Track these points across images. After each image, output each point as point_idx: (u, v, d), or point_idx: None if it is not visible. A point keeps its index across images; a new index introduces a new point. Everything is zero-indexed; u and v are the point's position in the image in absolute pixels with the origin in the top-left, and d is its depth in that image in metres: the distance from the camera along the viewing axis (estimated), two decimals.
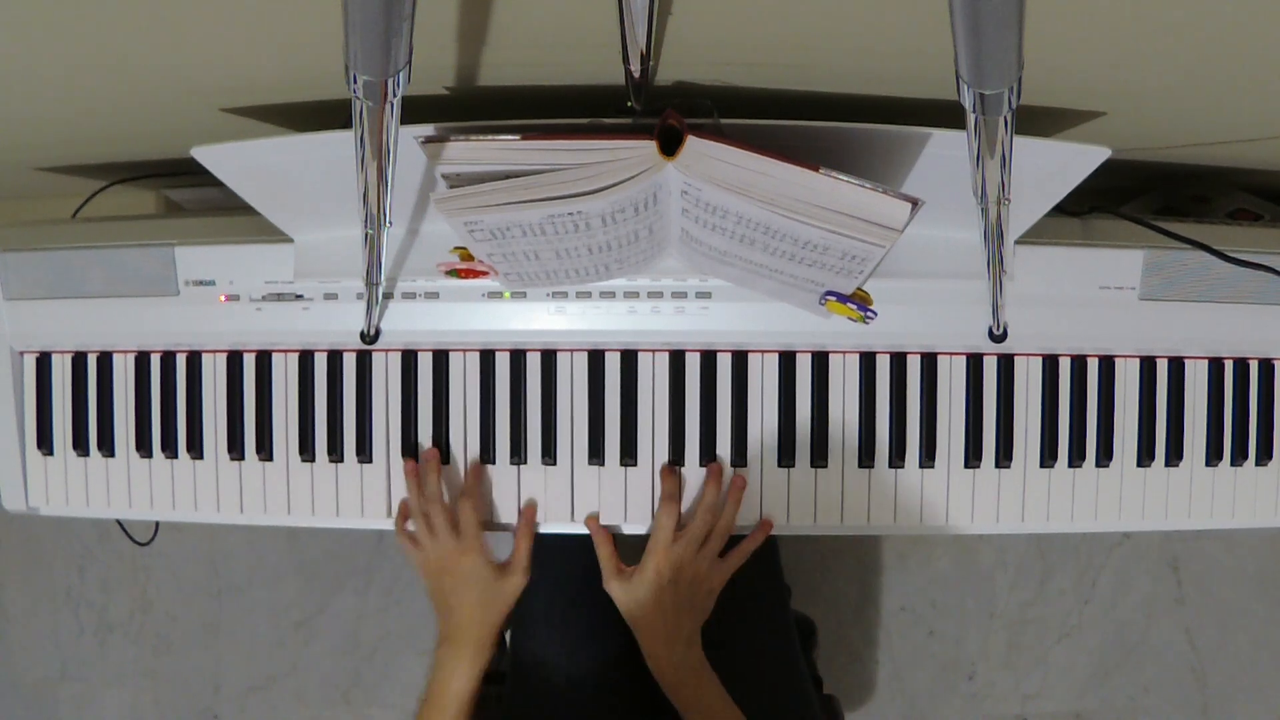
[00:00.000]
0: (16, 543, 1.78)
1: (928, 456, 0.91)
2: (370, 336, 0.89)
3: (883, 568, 1.71)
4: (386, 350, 0.92)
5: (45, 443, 0.96)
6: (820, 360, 0.91)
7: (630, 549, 0.90)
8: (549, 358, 0.91)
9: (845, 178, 0.65)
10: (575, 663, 0.99)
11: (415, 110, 0.67)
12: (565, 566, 1.01)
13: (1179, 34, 0.64)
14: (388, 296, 0.88)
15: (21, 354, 0.95)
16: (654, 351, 0.91)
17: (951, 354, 0.91)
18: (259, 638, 1.76)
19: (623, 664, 0.95)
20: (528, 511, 0.91)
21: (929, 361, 0.91)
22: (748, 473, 0.91)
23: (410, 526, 0.91)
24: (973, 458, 0.91)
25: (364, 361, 0.92)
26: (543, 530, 0.92)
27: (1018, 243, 0.85)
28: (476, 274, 0.86)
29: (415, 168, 0.75)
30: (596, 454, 0.91)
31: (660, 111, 0.67)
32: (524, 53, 0.73)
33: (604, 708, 0.97)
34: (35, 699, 1.79)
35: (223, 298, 0.90)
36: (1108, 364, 0.92)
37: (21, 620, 1.78)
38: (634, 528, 0.92)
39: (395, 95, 0.57)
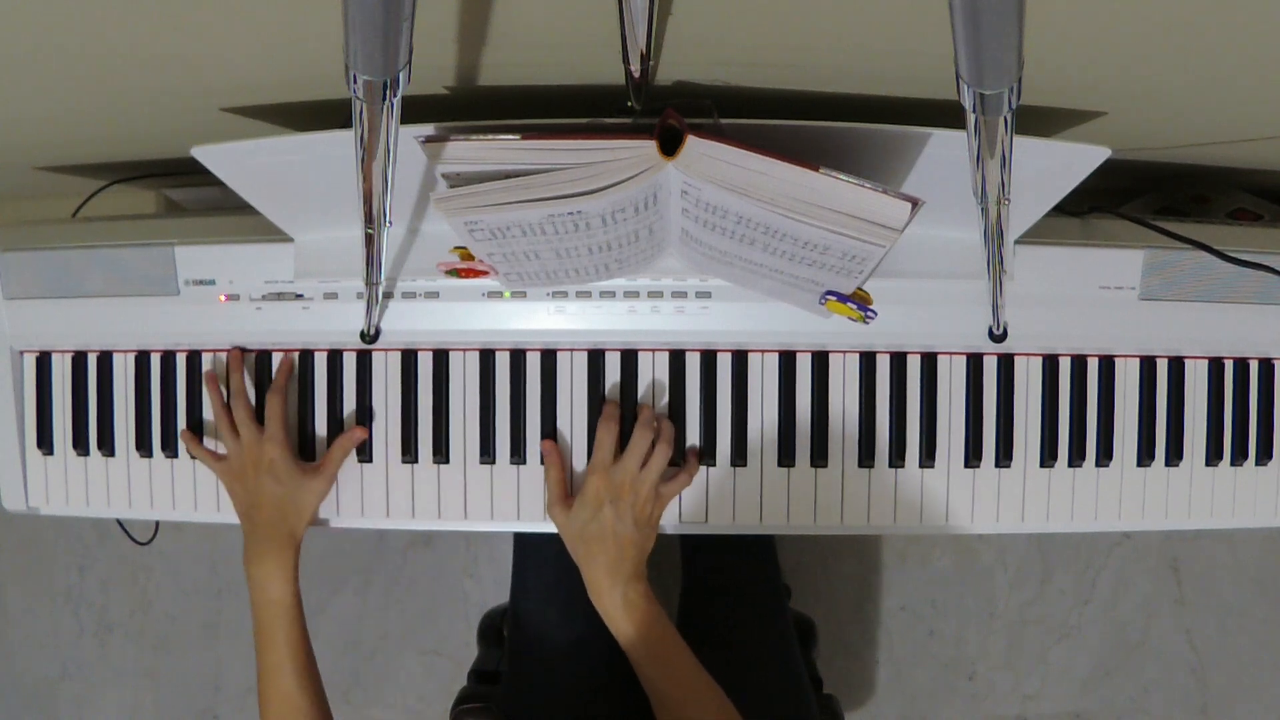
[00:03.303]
0: (16, 543, 1.78)
1: (928, 456, 0.91)
2: (370, 336, 0.89)
3: (883, 568, 1.71)
4: (386, 350, 0.92)
5: (45, 442, 0.96)
6: (820, 360, 0.91)
7: None
8: (549, 357, 0.91)
9: (845, 178, 0.65)
10: (574, 660, 0.98)
11: (415, 110, 0.67)
12: (562, 567, 1.01)
13: (1179, 34, 0.64)
14: (388, 296, 0.88)
15: (21, 354, 0.95)
16: (654, 351, 0.91)
17: (951, 354, 0.91)
18: None
19: (623, 658, 0.95)
20: (355, 430, 0.91)
21: (929, 361, 0.91)
22: (747, 472, 0.91)
23: (210, 445, 0.92)
24: (973, 457, 0.91)
25: (364, 361, 0.92)
26: (543, 531, 0.92)
27: (1018, 243, 0.85)
28: (476, 274, 0.86)
29: (415, 168, 0.75)
30: None
31: (660, 111, 0.67)
32: (524, 53, 0.73)
33: (605, 701, 0.97)
34: (35, 699, 1.79)
35: (223, 297, 0.90)
36: (1108, 364, 0.92)
37: (21, 620, 1.78)
38: None
39: (395, 95, 0.57)
